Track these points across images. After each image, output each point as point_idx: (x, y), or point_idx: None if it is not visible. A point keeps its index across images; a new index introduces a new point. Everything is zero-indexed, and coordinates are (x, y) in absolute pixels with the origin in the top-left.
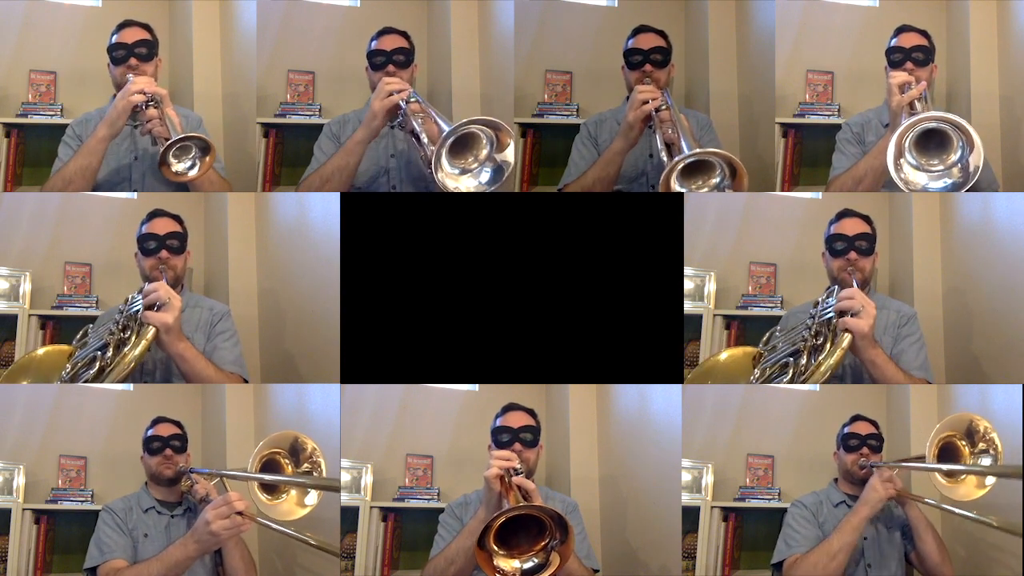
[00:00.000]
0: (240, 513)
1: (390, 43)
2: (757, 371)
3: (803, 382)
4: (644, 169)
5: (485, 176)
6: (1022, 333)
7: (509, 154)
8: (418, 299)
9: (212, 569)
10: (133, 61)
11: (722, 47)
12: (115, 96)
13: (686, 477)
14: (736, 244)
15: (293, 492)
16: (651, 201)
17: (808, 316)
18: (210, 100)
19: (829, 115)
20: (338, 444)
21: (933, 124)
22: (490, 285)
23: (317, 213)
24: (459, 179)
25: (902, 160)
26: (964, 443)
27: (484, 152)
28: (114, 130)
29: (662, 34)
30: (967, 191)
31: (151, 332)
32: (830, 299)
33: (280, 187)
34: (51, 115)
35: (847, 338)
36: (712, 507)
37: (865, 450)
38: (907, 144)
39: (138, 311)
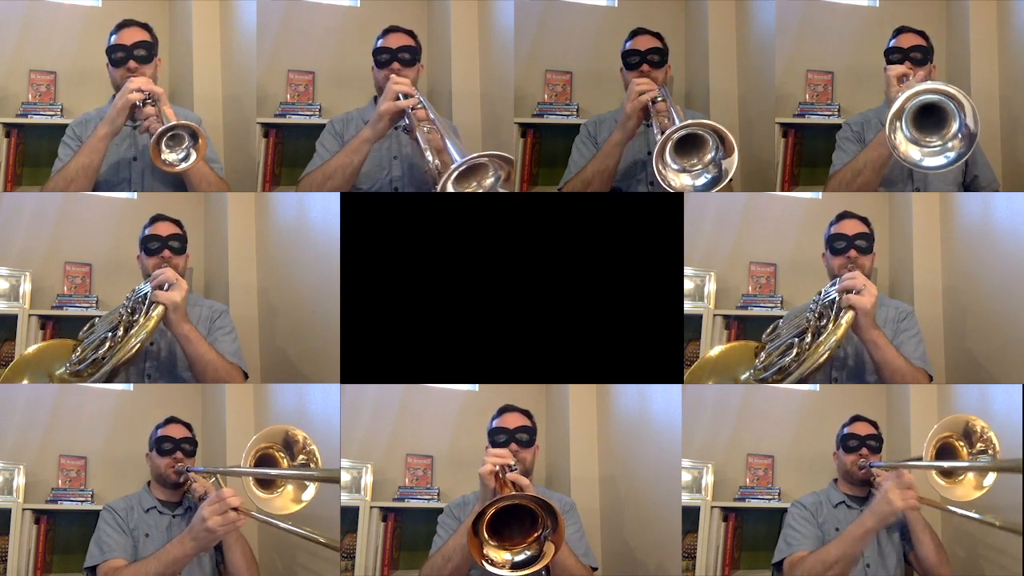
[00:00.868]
0: (235, 509)
1: (396, 41)
2: (763, 355)
3: (806, 361)
4: (643, 162)
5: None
6: (1022, 333)
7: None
8: (418, 299)
9: (213, 567)
10: (132, 64)
11: (722, 47)
12: (114, 96)
13: (686, 477)
14: (736, 244)
15: (289, 487)
16: (651, 201)
17: (812, 302)
18: (210, 100)
19: (829, 115)
20: (338, 444)
21: (930, 96)
22: (490, 285)
23: (317, 213)
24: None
25: (898, 124)
26: (962, 443)
27: (489, 181)
28: (114, 128)
29: (658, 36)
30: (966, 191)
31: (159, 309)
32: (832, 286)
33: (280, 187)
34: (51, 115)
35: (850, 314)
36: (712, 507)
37: (864, 451)
38: (906, 114)
39: (147, 294)
